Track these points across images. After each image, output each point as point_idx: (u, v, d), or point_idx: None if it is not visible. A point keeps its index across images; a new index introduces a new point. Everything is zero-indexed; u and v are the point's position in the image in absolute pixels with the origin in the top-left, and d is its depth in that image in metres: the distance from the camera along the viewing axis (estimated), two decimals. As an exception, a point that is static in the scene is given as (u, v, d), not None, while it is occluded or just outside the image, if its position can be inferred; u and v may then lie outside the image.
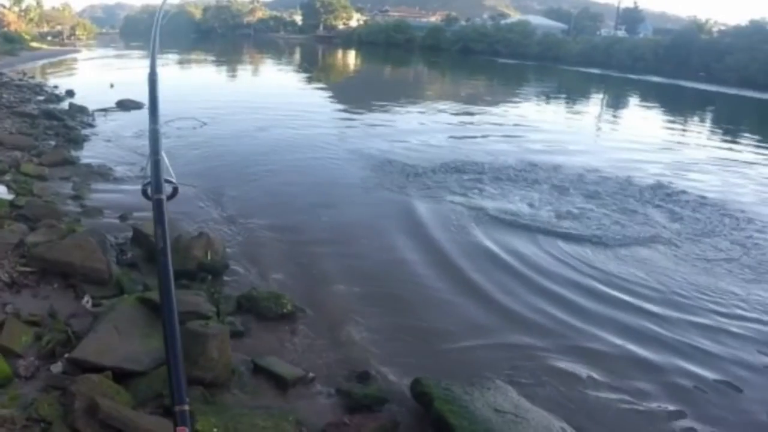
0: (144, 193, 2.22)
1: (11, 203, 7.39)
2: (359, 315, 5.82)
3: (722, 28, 65.88)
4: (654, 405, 4.78)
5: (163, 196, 2.11)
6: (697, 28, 64.75)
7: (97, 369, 4.05)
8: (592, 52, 67.06)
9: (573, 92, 37.43)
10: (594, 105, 32.46)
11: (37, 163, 9.88)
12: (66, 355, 4.21)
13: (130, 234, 7.14)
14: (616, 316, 6.20)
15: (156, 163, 2.17)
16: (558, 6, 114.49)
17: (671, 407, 4.76)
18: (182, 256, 6.19)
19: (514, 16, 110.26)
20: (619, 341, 5.68)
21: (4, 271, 5.53)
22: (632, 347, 5.59)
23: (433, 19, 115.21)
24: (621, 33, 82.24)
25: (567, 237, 8.35)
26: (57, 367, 4.20)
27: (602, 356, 5.43)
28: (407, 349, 5.31)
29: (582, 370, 5.14)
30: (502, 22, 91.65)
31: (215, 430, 3.61)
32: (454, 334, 5.67)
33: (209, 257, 6.32)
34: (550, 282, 6.93)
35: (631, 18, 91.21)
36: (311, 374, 4.67)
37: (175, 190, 2.23)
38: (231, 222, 8.17)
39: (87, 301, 5.27)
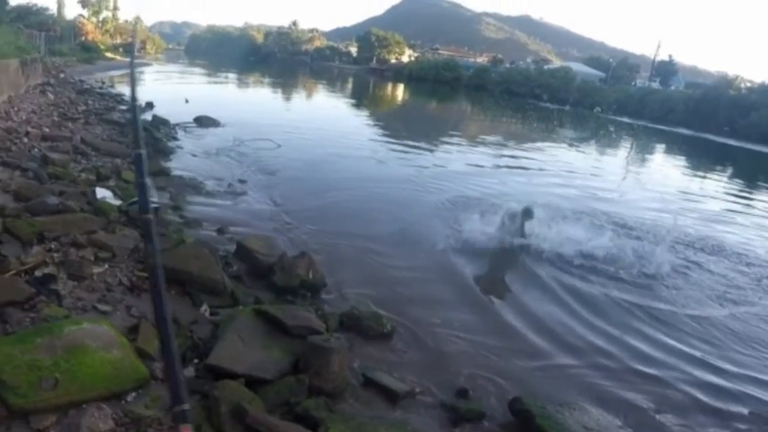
0: (126, 212, 2.37)
1: (119, 209, 7.64)
2: (451, 334, 6.10)
3: (749, 84, 65.68)
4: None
5: (151, 216, 2.12)
6: (726, 84, 64.58)
7: (230, 375, 4.19)
8: (626, 101, 67.07)
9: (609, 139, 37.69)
10: (630, 153, 32.56)
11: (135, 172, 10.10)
12: (205, 361, 4.36)
13: (230, 247, 7.34)
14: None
15: (142, 186, 2.16)
16: (598, 55, 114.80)
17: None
18: (287, 274, 6.37)
19: (556, 62, 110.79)
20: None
21: (123, 275, 5.76)
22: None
23: (480, 59, 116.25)
24: (655, 84, 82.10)
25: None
26: (189, 371, 4.35)
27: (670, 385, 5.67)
28: (497, 368, 5.53)
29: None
30: (545, 67, 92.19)
31: (345, 436, 3.76)
32: (540, 356, 5.98)
33: (311, 275, 6.48)
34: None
35: (665, 70, 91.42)
36: (417, 388, 4.89)
37: (156, 210, 2.29)
38: (320, 241, 8.35)
39: (205, 310, 5.44)
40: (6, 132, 10.55)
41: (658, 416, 5.11)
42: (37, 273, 5.19)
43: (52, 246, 5.85)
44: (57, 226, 6.23)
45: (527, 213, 8.99)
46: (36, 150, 10.05)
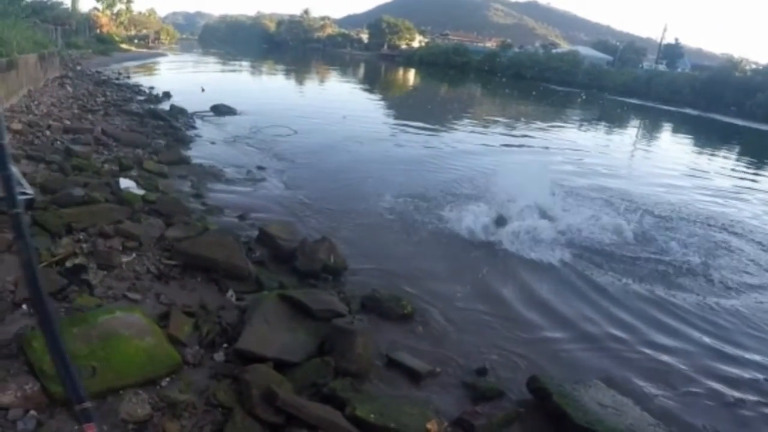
0: None
1: (143, 198, 7.70)
2: (470, 316, 6.14)
3: (754, 66, 65.32)
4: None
5: (20, 210, 1.97)
6: (732, 65, 64.22)
7: (259, 359, 4.23)
8: (633, 83, 66.64)
9: (618, 120, 37.40)
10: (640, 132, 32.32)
11: (156, 161, 10.19)
12: (234, 346, 4.39)
13: (251, 233, 7.37)
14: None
15: (7, 179, 1.97)
16: (605, 39, 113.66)
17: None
18: (309, 258, 6.40)
19: (564, 46, 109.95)
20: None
21: (151, 263, 5.81)
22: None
23: (489, 44, 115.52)
24: (662, 67, 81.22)
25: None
26: (219, 356, 4.39)
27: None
28: (516, 348, 5.55)
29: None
30: (553, 51, 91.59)
31: (372, 415, 3.81)
32: (558, 336, 6.00)
33: (332, 260, 6.50)
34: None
35: (672, 53, 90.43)
36: (438, 368, 4.92)
37: (31, 201, 2.08)
38: (340, 224, 8.38)
39: (231, 295, 5.48)
40: (28, 126, 10.63)
41: (673, 396, 5.10)
42: (68, 264, 5.25)
43: (81, 237, 5.92)
44: (84, 217, 6.28)
45: (500, 221, 8.91)
46: (59, 143, 10.12)
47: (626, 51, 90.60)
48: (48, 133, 10.67)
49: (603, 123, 33.67)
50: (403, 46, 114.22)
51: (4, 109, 11.30)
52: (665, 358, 5.74)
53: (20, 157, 8.48)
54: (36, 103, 13.46)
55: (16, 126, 10.16)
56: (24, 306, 4.46)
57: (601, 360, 5.58)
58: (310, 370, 4.29)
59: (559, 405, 4.34)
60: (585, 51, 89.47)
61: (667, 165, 19.06)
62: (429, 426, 3.82)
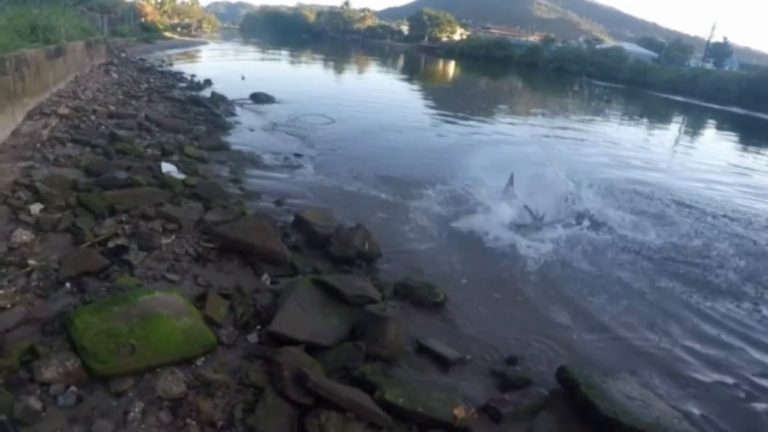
0: None
1: (183, 182, 7.83)
2: (501, 305, 6.14)
3: None
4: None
5: None
6: None
7: (291, 342, 4.27)
8: (679, 80, 65.03)
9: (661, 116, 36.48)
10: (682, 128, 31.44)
11: (197, 146, 10.34)
12: (267, 328, 4.45)
13: (287, 218, 7.45)
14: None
15: None
16: (651, 36, 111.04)
17: None
18: (343, 245, 6.43)
19: (608, 42, 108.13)
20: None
21: (190, 245, 5.91)
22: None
23: (531, 38, 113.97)
24: (709, 65, 79.13)
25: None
26: (253, 338, 4.45)
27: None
28: (546, 338, 5.53)
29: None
30: (597, 46, 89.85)
31: (400, 399, 3.84)
32: (589, 327, 5.96)
33: (366, 246, 6.52)
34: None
35: (720, 52, 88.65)
36: (468, 356, 4.93)
37: None
38: (374, 212, 8.39)
39: (266, 279, 5.54)
40: (75, 110, 10.87)
41: (703, 391, 5.03)
42: (110, 244, 5.38)
43: (123, 218, 6.06)
44: (126, 199, 6.43)
45: (534, 215, 8.82)
46: (103, 127, 10.33)
47: (672, 48, 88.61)
48: (93, 117, 10.90)
49: (646, 118, 32.95)
50: (444, 39, 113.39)
51: (52, 94, 11.57)
52: (697, 357, 5.62)
53: (66, 141, 8.69)
54: (82, 88, 13.74)
55: (63, 111, 10.41)
56: (68, 284, 4.58)
57: (631, 355, 5.51)
58: (341, 354, 4.33)
59: (586, 395, 4.33)
60: (630, 47, 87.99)
61: (709, 161, 18.59)
62: (456, 411, 3.82)
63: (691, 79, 64.85)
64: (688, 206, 11.04)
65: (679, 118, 37.19)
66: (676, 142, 24.37)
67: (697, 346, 5.79)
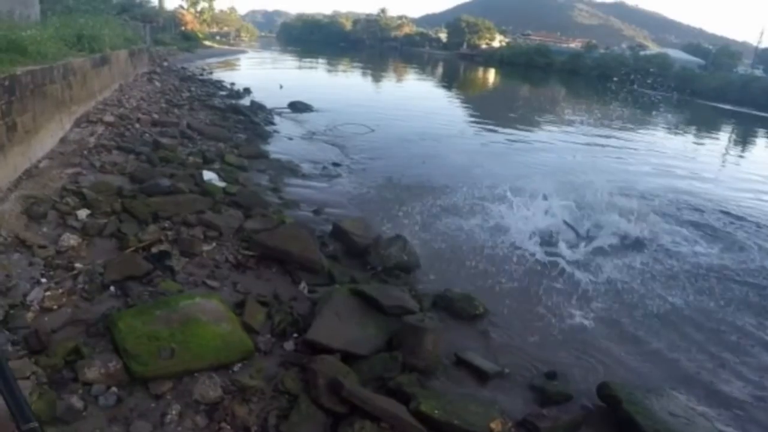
0: None
1: (224, 190, 7.97)
2: (542, 321, 6.02)
3: None
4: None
5: None
6: None
7: (327, 350, 4.32)
8: (727, 88, 62.93)
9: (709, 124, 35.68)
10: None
11: (237, 155, 10.50)
12: (303, 336, 4.51)
13: (326, 227, 7.51)
14: None
15: None
16: (697, 42, 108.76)
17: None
18: (382, 255, 6.47)
19: (653, 48, 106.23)
20: None
21: (230, 252, 6.02)
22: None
23: (573, 45, 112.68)
24: (758, 72, 76.65)
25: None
26: (289, 345, 4.52)
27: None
28: (587, 352, 5.47)
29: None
30: (641, 53, 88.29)
31: (436, 411, 3.84)
32: (632, 341, 5.87)
33: (405, 257, 6.55)
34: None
35: None
36: (507, 369, 4.89)
37: None
38: (414, 223, 8.37)
39: (303, 287, 5.61)
40: (120, 118, 11.16)
41: (748, 411, 4.90)
42: (153, 250, 5.52)
43: (166, 225, 6.21)
44: (169, 206, 6.59)
45: (578, 229, 8.75)
46: (147, 135, 10.58)
47: (720, 55, 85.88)
48: (137, 125, 11.17)
49: (693, 127, 32.28)
50: (483, 46, 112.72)
51: (98, 102, 11.89)
52: (744, 381, 5.44)
53: (112, 148, 8.93)
54: (126, 97, 14.09)
55: (109, 118, 10.69)
56: (112, 288, 4.71)
57: (675, 375, 5.38)
58: (377, 364, 4.36)
59: (628, 412, 4.27)
60: (675, 54, 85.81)
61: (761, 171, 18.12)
62: (493, 425, 3.81)
63: (741, 86, 62.59)
64: (740, 218, 10.79)
65: (728, 127, 36.23)
66: (726, 151, 23.80)
67: (744, 370, 5.60)
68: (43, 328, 3.94)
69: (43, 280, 4.61)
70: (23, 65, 7.10)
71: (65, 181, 6.91)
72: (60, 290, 4.49)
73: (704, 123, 36.07)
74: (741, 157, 22.97)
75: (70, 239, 5.33)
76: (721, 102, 55.82)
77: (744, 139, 30.48)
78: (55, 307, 4.28)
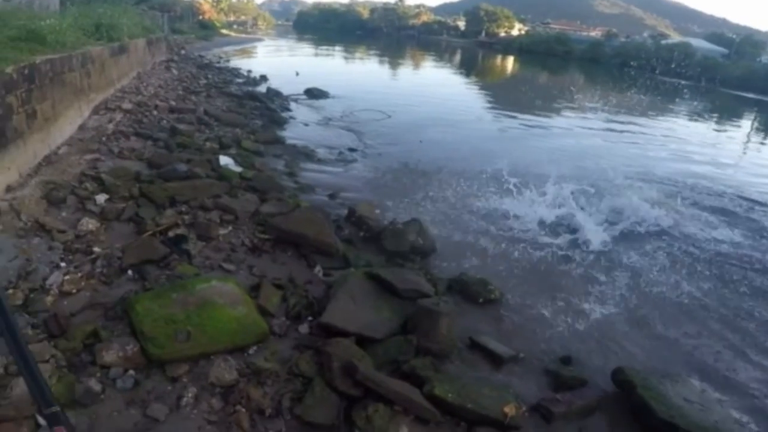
0: None
1: (240, 175, 8.01)
2: (557, 303, 5.99)
3: None
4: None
5: None
6: None
7: (342, 333, 4.32)
8: (751, 77, 61.85)
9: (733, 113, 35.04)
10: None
11: (253, 140, 10.55)
12: (318, 320, 4.52)
13: (341, 212, 7.50)
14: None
15: None
16: (720, 31, 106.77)
17: None
18: (397, 239, 6.46)
19: (674, 38, 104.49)
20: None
21: (246, 236, 6.04)
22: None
23: (593, 34, 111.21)
24: (783, 61, 75.30)
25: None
26: (304, 328, 4.53)
27: None
28: (602, 337, 5.44)
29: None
30: (663, 42, 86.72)
31: (450, 394, 3.84)
32: (648, 327, 5.83)
33: (420, 241, 6.53)
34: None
35: None
36: (521, 354, 4.86)
37: None
38: (429, 206, 8.37)
39: (319, 271, 5.62)
40: (137, 105, 11.22)
41: (764, 399, 4.84)
42: (170, 234, 5.55)
43: (183, 209, 6.25)
44: (186, 190, 6.63)
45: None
46: (165, 121, 10.64)
47: (743, 44, 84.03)
48: (155, 112, 11.24)
49: (715, 115, 31.71)
50: (502, 34, 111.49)
51: (116, 90, 11.96)
52: (757, 367, 5.39)
53: (130, 134, 8.99)
54: (144, 84, 14.17)
55: (127, 106, 10.76)
56: (130, 271, 4.75)
57: (690, 361, 5.32)
58: (392, 347, 4.36)
59: (642, 397, 4.24)
60: (697, 43, 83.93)
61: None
62: (506, 409, 3.80)
63: (764, 75, 61.52)
64: (762, 204, 10.65)
65: (751, 115, 35.57)
66: (748, 138, 23.41)
67: (762, 359, 5.52)
68: (62, 311, 3.99)
69: (63, 264, 4.66)
70: (42, 54, 7.14)
71: (84, 167, 6.96)
72: (79, 274, 4.54)
73: (726, 111, 35.40)
74: (763, 144, 22.57)
75: (89, 224, 5.38)
76: (744, 90, 54.99)
77: (766, 127, 29.94)
78: (74, 290, 4.33)
